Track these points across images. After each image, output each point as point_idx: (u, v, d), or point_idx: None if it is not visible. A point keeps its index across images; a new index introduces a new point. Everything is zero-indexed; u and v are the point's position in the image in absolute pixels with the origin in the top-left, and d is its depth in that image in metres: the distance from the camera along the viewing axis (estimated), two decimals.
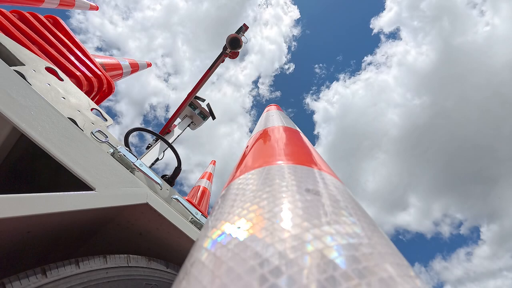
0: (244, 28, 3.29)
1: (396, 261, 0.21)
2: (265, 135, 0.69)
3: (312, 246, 0.20)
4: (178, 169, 1.78)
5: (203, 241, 0.24)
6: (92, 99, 2.00)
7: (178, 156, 1.80)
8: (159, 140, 3.24)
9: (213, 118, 4.47)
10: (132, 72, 3.23)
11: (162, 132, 3.76)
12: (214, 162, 4.82)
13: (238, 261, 0.20)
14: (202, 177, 4.24)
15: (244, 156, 0.53)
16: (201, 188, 3.91)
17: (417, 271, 0.21)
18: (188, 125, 4.13)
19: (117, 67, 2.77)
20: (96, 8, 3.60)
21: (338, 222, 0.23)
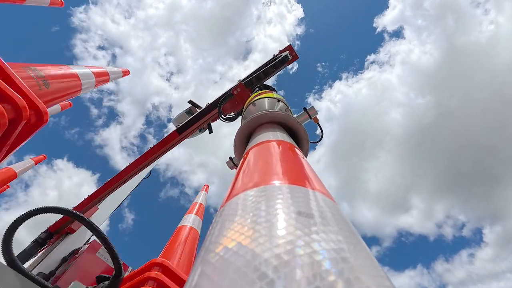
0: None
1: (373, 272, 0.25)
2: (260, 149, 0.72)
3: (302, 250, 0.24)
4: (116, 280, 1.10)
5: (208, 255, 0.27)
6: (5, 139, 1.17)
7: (116, 256, 1.07)
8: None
9: (210, 131, 4.08)
10: (98, 84, 2.54)
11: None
12: (207, 188, 3.75)
13: (240, 270, 0.23)
14: (190, 211, 2.87)
15: (240, 171, 0.56)
16: (186, 231, 2.42)
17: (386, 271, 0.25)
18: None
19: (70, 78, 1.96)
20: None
21: (325, 232, 0.27)
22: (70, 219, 2.86)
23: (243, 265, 0.23)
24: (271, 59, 2.24)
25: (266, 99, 1.51)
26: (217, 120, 2.66)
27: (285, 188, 0.36)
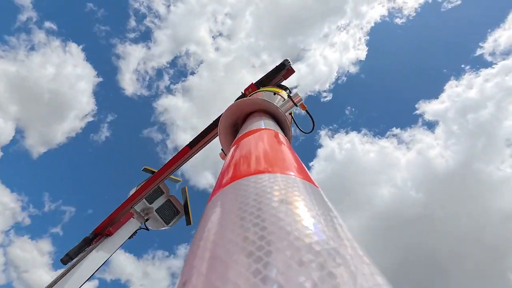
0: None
1: (353, 246, 0.28)
2: (248, 139, 0.74)
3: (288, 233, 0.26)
4: None
5: (199, 245, 0.29)
6: None
7: None
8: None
9: (188, 221, 3.58)
10: None
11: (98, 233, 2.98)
12: None
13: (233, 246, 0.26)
14: None
15: (228, 162, 0.58)
16: None
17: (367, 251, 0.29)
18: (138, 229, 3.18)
19: None
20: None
21: (308, 217, 0.30)
22: (110, 222, 3.07)
23: (234, 246, 0.25)
24: (277, 66, 2.37)
25: (263, 92, 1.51)
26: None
27: (271, 177, 0.39)
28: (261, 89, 1.70)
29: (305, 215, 0.29)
